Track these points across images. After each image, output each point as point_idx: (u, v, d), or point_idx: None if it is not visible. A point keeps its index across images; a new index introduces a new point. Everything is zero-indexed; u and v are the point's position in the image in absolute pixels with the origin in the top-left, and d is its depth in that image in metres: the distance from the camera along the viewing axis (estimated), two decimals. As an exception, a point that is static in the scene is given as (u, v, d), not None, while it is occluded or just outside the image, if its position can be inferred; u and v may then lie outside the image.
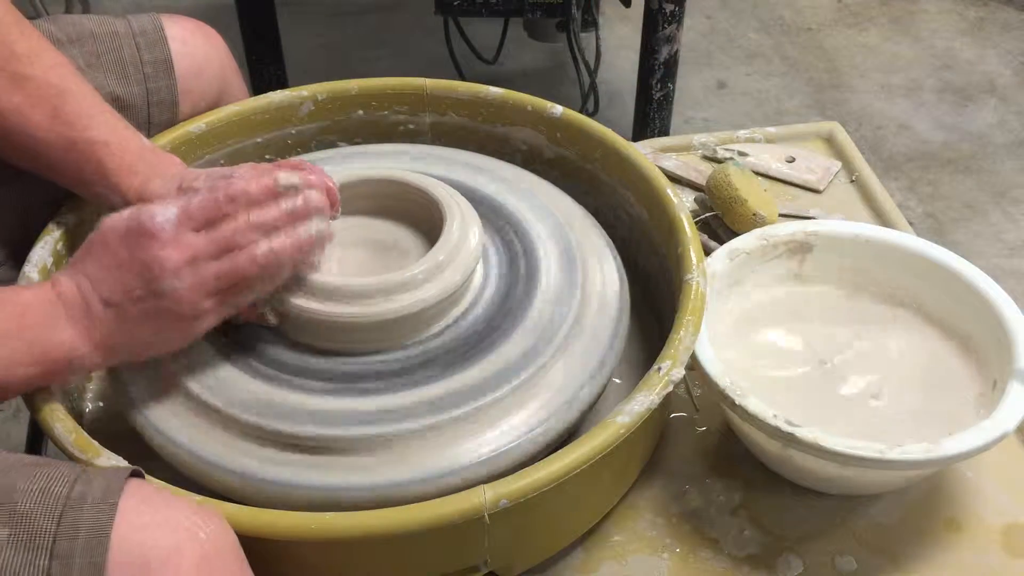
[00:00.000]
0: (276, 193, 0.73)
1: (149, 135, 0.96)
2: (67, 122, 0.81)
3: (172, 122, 0.98)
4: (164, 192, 0.79)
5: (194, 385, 0.77)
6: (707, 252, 0.94)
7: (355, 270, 0.84)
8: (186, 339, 0.73)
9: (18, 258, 0.86)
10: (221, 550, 0.61)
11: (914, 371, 0.89)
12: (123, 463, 0.69)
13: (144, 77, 0.94)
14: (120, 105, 0.92)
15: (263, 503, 0.71)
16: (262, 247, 0.71)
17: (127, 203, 0.80)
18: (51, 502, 0.58)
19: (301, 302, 0.77)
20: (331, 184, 0.77)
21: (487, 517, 0.67)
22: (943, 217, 1.92)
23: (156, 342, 0.72)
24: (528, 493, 0.68)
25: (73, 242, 0.89)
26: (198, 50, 0.99)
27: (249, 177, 0.72)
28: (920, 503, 0.87)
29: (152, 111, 0.96)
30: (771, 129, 1.28)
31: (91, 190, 0.83)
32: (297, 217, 0.73)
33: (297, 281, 0.78)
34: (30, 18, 0.86)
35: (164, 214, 0.69)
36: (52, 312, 0.69)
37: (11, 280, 0.84)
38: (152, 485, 0.62)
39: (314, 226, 0.74)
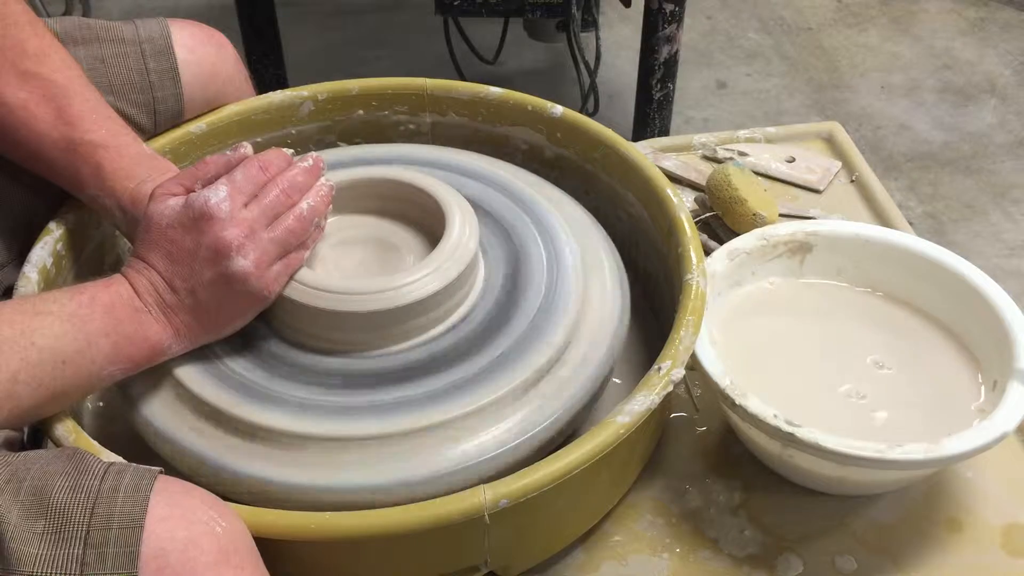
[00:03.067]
0: (290, 158, 0.79)
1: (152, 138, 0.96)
2: (69, 123, 0.82)
3: None
4: None
5: (193, 384, 0.77)
6: (707, 252, 0.94)
7: (355, 270, 0.84)
8: (261, 308, 0.77)
9: (24, 259, 0.86)
10: (237, 545, 0.62)
11: (914, 371, 0.89)
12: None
13: (150, 85, 0.94)
14: (123, 113, 0.92)
15: (263, 502, 0.71)
16: (303, 205, 0.77)
17: (120, 206, 0.82)
18: (83, 495, 0.60)
19: (304, 299, 0.78)
20: (315, 155, 0.82)
21: (487, 517, 0.67)
22: (943, 217, 1.92)
23: (233, 318, 0.76)
24: (528, 493, 0.68)
25: (73, 242, 0.89)
26: (206, 58, 0.98)
27: (267, 151, 0.78)
28: (920, 503, 0.87)
29: (158, 120, 0.96)
30: (771, 129, 1.28)
31: (85, 192, 0.83)
32: (314, 174, 0.79)
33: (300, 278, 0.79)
34: None
35: (217, 195, 0.72)
36: (135, 311, 0.71)
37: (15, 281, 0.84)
38: (174, 480, 0.63)
39: (325, 178, 0.80)
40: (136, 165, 0.83)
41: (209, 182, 0.75)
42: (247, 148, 0.78)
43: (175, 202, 0.73)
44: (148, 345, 0.72)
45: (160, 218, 0.73)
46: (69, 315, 0.68)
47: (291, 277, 0.77)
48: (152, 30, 0.95)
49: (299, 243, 0.77)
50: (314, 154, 0.80)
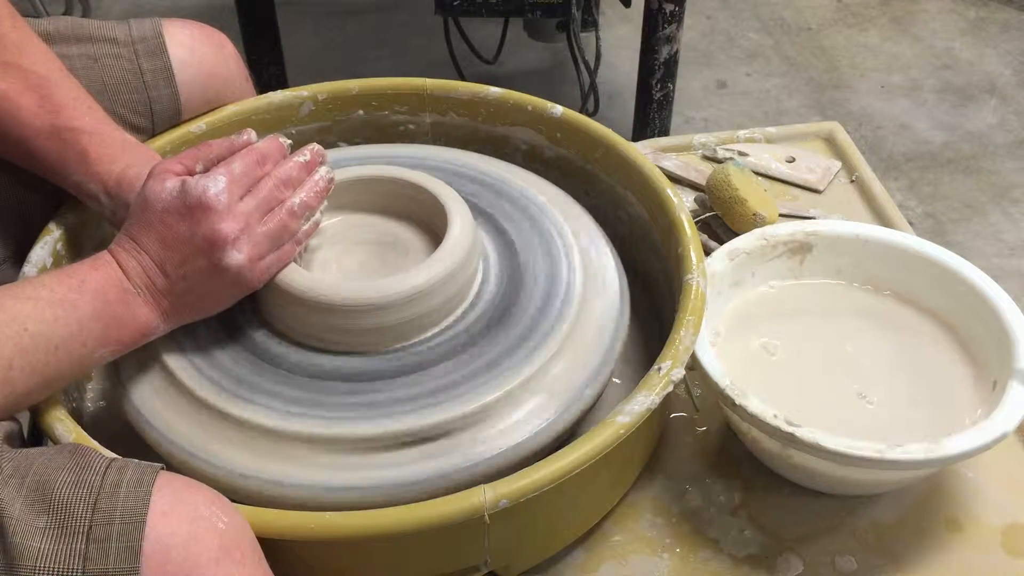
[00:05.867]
0: (286, 149, 0.79)
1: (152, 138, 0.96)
2: (53, 111, 0.83)
3: None
4: (144, 179, 0.80)
5: (193, 384, 0.77)
6: (707, 252, 0.94)
7: (357, 269, 0.84)
8: (247, 293, 0.77)
9: (19, 257, 0.86)
10: (240, 541, 0.62)
11: (914, 371, 0.89)
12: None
13: (144, 85, 0.94)
14: (118, 113, 0.92)
15: (261, 502, 0.71)
16: (295, 200, 0.77)
17: (106, 190, 0.82)
18: (85, 490, 0.60)
19: (303, 301, 0.78)
20: (315, 147, 0.82)
21: (487, 517, 0.67)
22: (943, 217, 1.92)
23: (220, 304, 0.77)
24: (528, 493, 0.68)
25: (73, 242, 0.89)
26: (206, 58, 0.98)
27: (263, 140, 0.78)
28: (920, 503, 0.87)
29: (156, 120, 0.96)
30: (771, 129, 1.28)
31: (70, 178, 0.84)
32: (309, 168, 0.79)
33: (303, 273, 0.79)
34: (31, 18, 0.87)
35: (216, 185, 0.72)
36: (125, 293, 0.72)
37: (11, 280, 0.84)
38: (176, 476, 0.64)
39: (324, 171, 0.80)
40: (121, 151, 0.83)
41: (211, 163, 0.76)
42: (251, 134, 0.79)
43: (172, 185, 0.73)
44: (136, 326, 0.73)
45: (156, 200, 0.73)
46: (60, 300, 0.68)
47: (281, 269, 0.78)
48: (145, 30, 0.95)
49: (290, 237, 0.78)
50: (314, 146, 0.80)
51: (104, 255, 0.73)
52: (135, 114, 0.94)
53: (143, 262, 0.72)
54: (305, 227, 0.79)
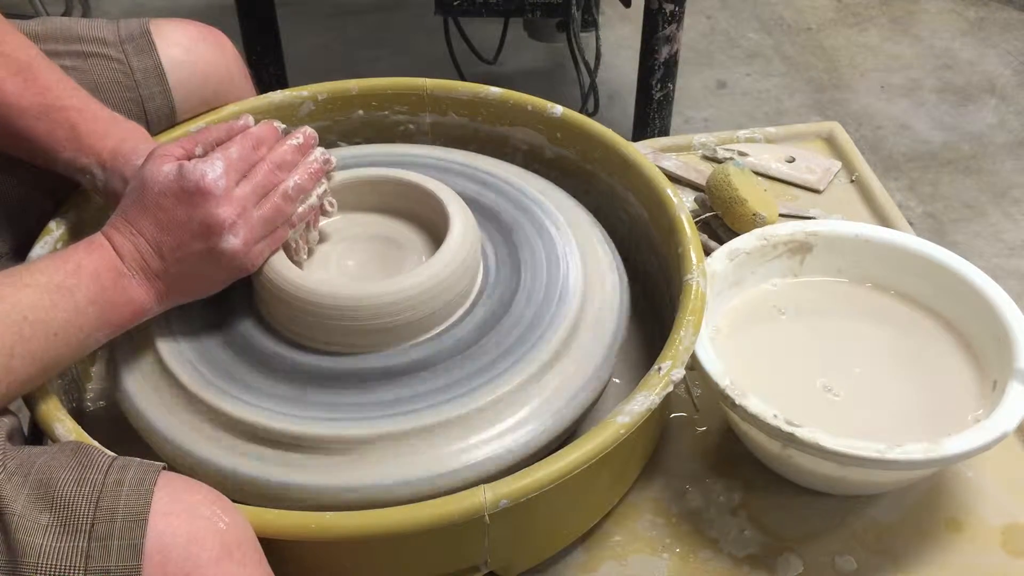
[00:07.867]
0: (280, 132, 0.80)
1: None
2: (40, 92, 0.83)
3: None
4: (140, 152, 0.81)
5: (193, 385, 0.77)
6: (707, 252, 0.94)
7: (358, 268, 0.84)
8: (241, 276, 0.78)
9: (17, 252, 0.86)
10: (241, 541, 0.63)
11: (914, 371, 0.89)
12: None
13: (135, 84, 0.94)
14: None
15: (260, 502, 0.71)
16: (289, 183, 0.78)
17: (100, 163, 0.83)
18: (87, 488, 0.60)
19: (303, 304, 0.78)
20: (308, 130, 0.82)
21: (487, 517, 0.67)
22: (943, 217, 1.92)
23: (213, 286, 0.78)
24: (528, 493, 0.68)
25: (73, 242, 0.89)
26: (202, 57, 0.98)
27: (258, 125, 0.79)
28: (920, 503, 0.87)
29: (150, 119, 0.96)
30: (771, 129, 1.28)
31: (61, 156, 0.84)
32: (303, 151, 0.80)
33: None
34: (29, 18, 0.87)
35: (213, 170, 0.73)
36: (120, 276, 0.72)
37: None
38: (177, 476, 0.64)
39: (319, 153, 0.81)
40: (112, 125, 0.84)
41: (210, 147, 0.76)
42: (248, 119, 0.79)
43: (170, 168, 0.73)
44: (132, 309, 0.73)
45: (153, 183, 0.73)
46: (57, 286, 0.68)
47: (274, 252, 0.79)
48: (133, 29, 0.96)
49: (285, 220, 0.78)
50: (306, 129, 0.81)
51: (98, 238, 0.73)
52: (128, 114, 0.94)
53: (138, 244, 0.73)
54: (300, 210, 0.79)
